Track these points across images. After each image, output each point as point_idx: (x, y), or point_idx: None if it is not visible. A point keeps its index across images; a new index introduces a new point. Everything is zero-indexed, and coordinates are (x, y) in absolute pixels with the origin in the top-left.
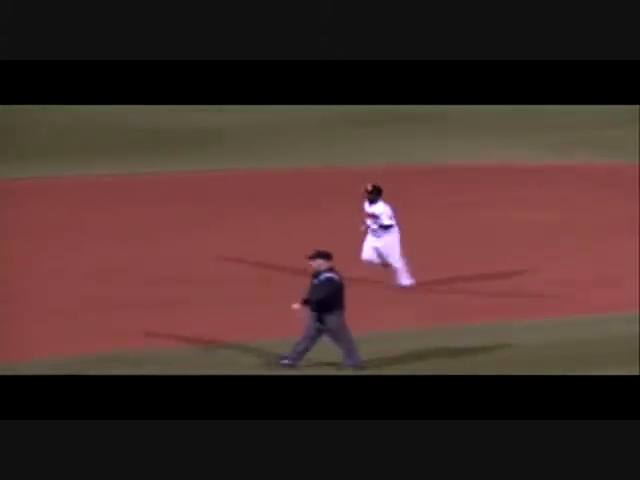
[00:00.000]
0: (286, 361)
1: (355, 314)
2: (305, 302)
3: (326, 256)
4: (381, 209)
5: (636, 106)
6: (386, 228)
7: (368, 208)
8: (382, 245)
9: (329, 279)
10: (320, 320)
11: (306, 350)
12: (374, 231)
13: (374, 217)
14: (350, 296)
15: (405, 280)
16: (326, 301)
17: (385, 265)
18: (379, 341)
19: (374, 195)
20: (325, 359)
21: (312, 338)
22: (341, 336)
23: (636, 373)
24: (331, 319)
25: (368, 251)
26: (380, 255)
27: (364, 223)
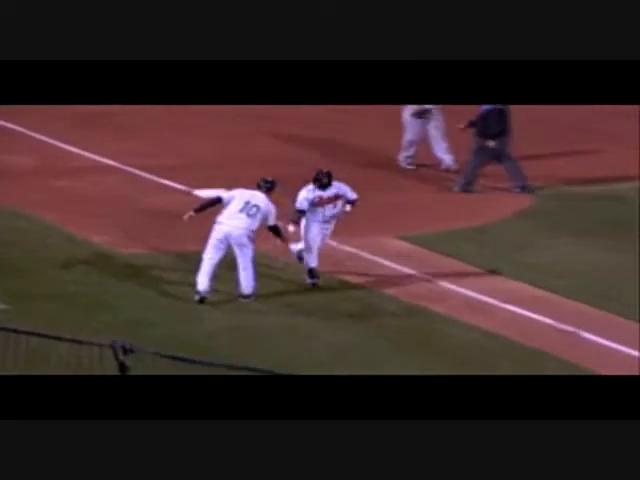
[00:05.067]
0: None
1: None
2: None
3: None
4: (343, 187)
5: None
6: (353, 203)
7: (325, 193)
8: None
9: None
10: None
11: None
12: (327, 219)
13: (335, 199)
14: None
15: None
16: None
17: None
18: None
19: (328, 179)
20: None
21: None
22: None
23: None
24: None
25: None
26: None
27: (294, 222)
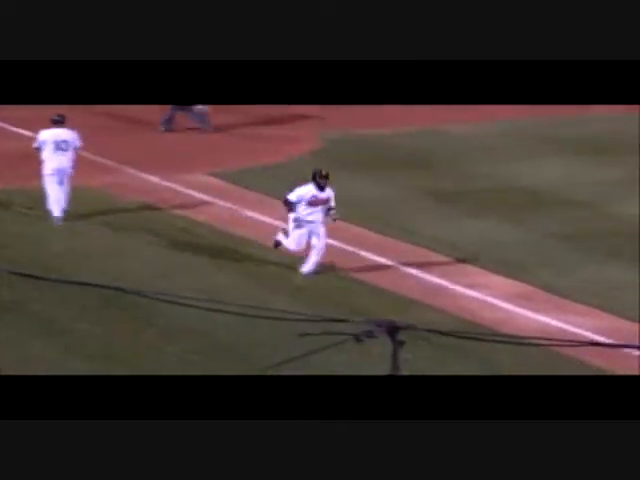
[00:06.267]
0: None
1: None
2: None
3: None
4: (330, 192)
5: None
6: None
7: (321, 194)
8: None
9: None
10: None
11: None
12: (314, 221)
13: (326, 202)
14: None
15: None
16: None
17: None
18: None
19: (325, 181)
20: None
21: None
22: None
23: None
24: None
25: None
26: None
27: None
